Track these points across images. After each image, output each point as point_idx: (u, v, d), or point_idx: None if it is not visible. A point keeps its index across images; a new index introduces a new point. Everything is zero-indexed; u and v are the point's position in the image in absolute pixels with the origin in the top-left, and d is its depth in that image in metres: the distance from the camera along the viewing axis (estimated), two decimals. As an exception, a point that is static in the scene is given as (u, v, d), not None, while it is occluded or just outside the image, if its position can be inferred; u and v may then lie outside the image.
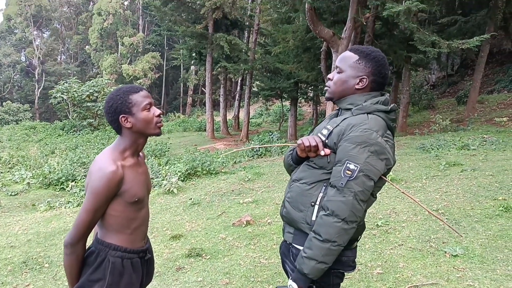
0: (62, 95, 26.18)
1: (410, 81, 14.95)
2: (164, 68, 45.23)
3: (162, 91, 46.26)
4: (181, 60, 34.25)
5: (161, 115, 1.87)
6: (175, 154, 13.51)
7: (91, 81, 28.41)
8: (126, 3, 47.69)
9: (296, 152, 1.90)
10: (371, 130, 1.66)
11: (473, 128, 11.40)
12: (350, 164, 1.63)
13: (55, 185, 9.66)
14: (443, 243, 3.89)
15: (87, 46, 49.27)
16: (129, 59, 43.17)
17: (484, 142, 8.48)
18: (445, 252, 3.68)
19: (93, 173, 1.73)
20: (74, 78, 31.30)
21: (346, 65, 1.83)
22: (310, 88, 19.35)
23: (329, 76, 1.90)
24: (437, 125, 12.19)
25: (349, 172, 1.63)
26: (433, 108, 17.68)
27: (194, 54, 23.07)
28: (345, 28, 10.85)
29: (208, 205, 6.22)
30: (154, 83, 42.69)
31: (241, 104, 24.94)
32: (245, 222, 5.10)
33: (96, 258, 1.81)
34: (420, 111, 17.78)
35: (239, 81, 24.76)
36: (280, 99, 20.69)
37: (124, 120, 1.79)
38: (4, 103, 40.25)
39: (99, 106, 25.16)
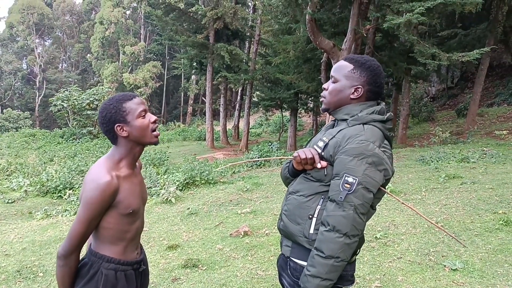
0: (62, 103, 26.25)
1: (410, 93, 14.97)
2: (165, 77, 45.39)
3: (163, 100, 46.35)
4: (182, 70, 34.35)
5: (157, 122, 1.84)
6: (174, 163, 13.47)
7: (92, 89, 28.52)
8: (128, 12, 47.97)
9: (292, 165, 1.87)
10: (368, 141, 1.63)
11: (473, 141, 11.38)
12: (348, 177, 1.60)
13: (53, 193, 9.60)
14: (442, 256, 3.85)
15: (88, 55, 49.47)
16: (130, 68, 43.31)
17: (484, 155, 8.44)
18: (445, 266, 3.63)
19: (88, 183, 1.70)
20: (75, 86, 31.37)
21: (341, 74, 1.81)
22: (310, 98, 19.37)
23: (324, 86, 1.88)
24: (437, 137, 12.16)
25: (348, 186, 1.60)
26: (433, 120, 17.69)
27: (195, 64, 23.13)
28: (345, 40, 10.87)
29: (206, 215, 6.17)
30: (154, 92, 42.80)
31: (241, 114, 24.94)
32: (242, 233, 5.05)
33: (89, 270, 1.77)
34: (420, 123, 17.78)
35: (239, 91, 24.80)
36: (280, 110, 20.69)
37: (120, 129, 1.75)
38: (4, 110, 40.31)
39: (99, 115, 25.18)
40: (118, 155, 1.79)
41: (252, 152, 13.88)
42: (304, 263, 1.73)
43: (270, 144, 15.94)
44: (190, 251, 4.70)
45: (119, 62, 44.38)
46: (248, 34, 22.89)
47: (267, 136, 25.81)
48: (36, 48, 51.84)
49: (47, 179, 10.14)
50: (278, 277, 1.95)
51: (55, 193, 9.58)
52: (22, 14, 50.18)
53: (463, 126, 14.31)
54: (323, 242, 1.61)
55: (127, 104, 1.76)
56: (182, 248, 4.84)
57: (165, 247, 4.91)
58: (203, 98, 38.79)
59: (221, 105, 24.06)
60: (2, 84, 51.03)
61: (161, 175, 9.94)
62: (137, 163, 1.93)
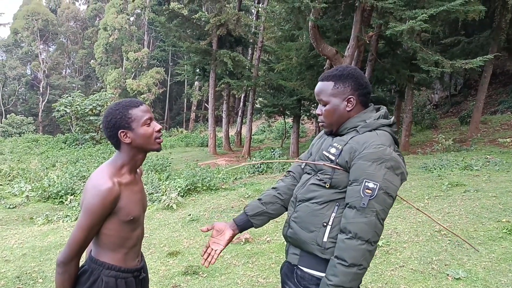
0: (65, 109, 26.31)
1: (413, 101, 14.94)
2: (168, 84, 45.51)
3: (166, 106, 46.45)
4: (185, 76, 34.48)
5: (161, 130, 1.83)
6: (176, 169, 13.45)
7: (95, 95, 28.59)
8: (132, 18, 48.21)
9: None
10: (384, 145, 1.63)
11: (476, 148, 11.33)
12: (369, 182, 1.59)
13: (54, 199, 9.59)
14: (445, 265, 3.81)
15: (92, 61, 49.70)
16: (133, 74, 43.46)
17: (488, 163, 8.39)
18: (448, 274, 3.60)
19: (89, 190, 1.68)
20: (78, 91, 31.49)
21: (327, 95, 1.80)
22: (313, 105, 19.35)
23: (317, 112, 1.86)
24: (440, 144, 12.12)
25: (369, 191, 1.58)
26: (436, 127, 17.63)
27: (198, 70, 23.18)
28: (348, 46, 10.88)
29: (207, 222, 6.14)
30: (158, 98, 42.93)
31: (243, 120, 24.95)
32: (243, 240, 5.02)
33: (89, 277, 1.75)
34: (423, 130, 17.73)
35: (242, 98, 24.81)
36: (282, 116, 20.67)
37: (124, 135, 1.74)
38: (8, 116, 40.50)
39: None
40: (120, 161, 1.78)
41: (254, 159, 13.86)
42: (313, 272, 1.71)
43: (272, 150, 15.91)
44: (191, 258, 4.67)
45: (122, 68, 44.56)
46: (251, 40, 22.94)
47: (270, 142, 25.77)
48: (40, 54, 52.15)
49: (49, 185, 10.14)
50: (281, 285, 1.92)
51: (57, 198, 9.58)
52: (27, 20, 50.55)
53: (466, 134, 14.26)
54: (344, 250, 1.59)
55: (133, 111, 1.75)
56: (182, 255, 4.82)
57: (166, 253, 4.88)
58: (206, 104, 38.86)
59: (223, 111, 24.05)
60: (6, 89, 51.31)
61: (163, 181, 9.92)
62: (138, 170, 1.92)
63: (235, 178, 10.61)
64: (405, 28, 8.97)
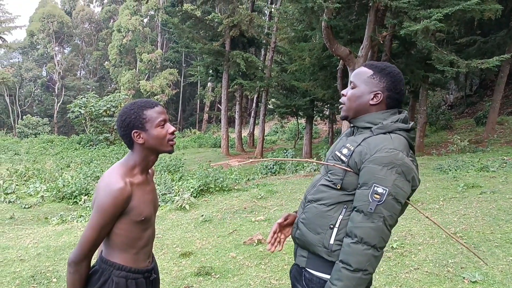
0: (80, 110, 26.61)
1: (428, 101, 14.79)
2: (181, 85, 45.72)
3: (179, 107, 46.67)
4: (198, 77, 34.63)
5: (175, 132, 1.82)
6: (189, 170, 13.49)
7: (109, 96, 28.85)
8: (145, 20, 48.55)
9: None
10: (397, 150, 1.59)
11: (492, 149, 11.16)
12: (378, 187, 1.56)
13: (69, 199, 9.68)
14: (461, 268, 3.74)
15: (106, 62, 50.13)
16: (147, 75, 43.75)
17: (504, 164, 8.25)
18: (464, 278, 3.53)
19: (101, 189, 1.68)
20: (93, 93, 31.78)
21: (360, 80, 1.77)
22: (326, 106, 19.27)
23: (343, 92, 1.84)
24: (455, 145, 11.96)
25: (378, 196, 1.55)
26: (451, 128, 17.41)
27: (211, 71, 23.27)
28: (361, 47, 10.80)
29: (220, 223, 6.13)
30: (171, 99, 43.14)
31: (256, 121, 24.96)
32: (256, 241, 5.00)
33: (100, 277, 1.75)
34: (438, 131, 17.52)
35: (254, 98, 24.83)
36: (295, 117, 20.63)
37: (137, 136, 1.74)
38: (24, 117, 41.04)
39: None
40: (132, 161, 1.78)
41: (267, 161, 13.84)
42: (321, 274, 1.69)
43: (285, 151, 15.87)
44: (203, 259, 4.66)
45: (136, 69, 44.87)
46: (264, 41, 22.95)
47: (282, 143, 25.74)
48: (56, 56, 52.77)
49: (63, 185, 10.23)
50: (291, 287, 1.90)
51: (71, 198, 9.66)
52: (43, 23, 51.18)
53: (482, 135, 14.06)
54: (350, 254, 1.57)
55: (148, 111, 1.75)
56: (195, 255, 4.81)
57: (178, 254, 4.88)
58: (218, 105, 38.94)
59: (236, 112, 24.09)
60: (22, 91, 52.04)
61: (176, 182, 9.95)
62: (150, 170, 1.91)
63: (248, 179, 10.59)
64: (419, 28, 8.87)
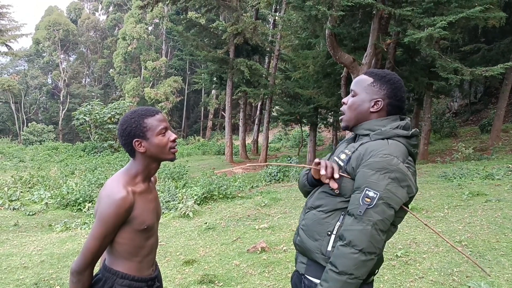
0: (84, 117, 26.73)
1: (432, 109, 14.77)
2: (186, 92, 45.87)
3: (183, 115, 46.80)
4: (202, 84, 34.64)
5: (176, 140, 1.81)
6: (193, 177, 13.49)
7: (113, 104, 28.96)
8: (150, 28, 48.89)
9: (312, 173, 1.83)
10: (392, 155, 1.58)
11: (497, 157, 11.10)
12: (369, 191, 1.54)
13: (73, 206, 9.69)
14: (466, 277, 3.71)
15: (111, 70, 50.40)
16: (151, 83, 43.93)
17: (510, 172, 8.20)
18: (469, 287, 3.50)
19: (103, 198, 1.67)
20: (97, 100, 31.92)
21: (361, 88, 1.78)
22: (329, 113, 19.28)
23: (344, 100, 1.85)
24: (460, 153, 11.92)
25: (368, 200, 1.54)
26: (455, 136, 17.37)
27: (215, 79, 23.32)
28: (365, 54, 10.81)
29: (223, 230, 6.12)
30: (175, 106, 43.26)
31: (260, 129, 24.96)
32: (260, 249, 4.98)
33: (103, 286, 1.74)
34: (442, 139, 17.47)
35: (258, 106, 24.87)
36: (299, 124, 20.64)
37: (138, 145, 1.73)
38: (29, 124, 41.25)
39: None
40: (134, 170, 1.77)
41: (271, 167, 13.82)
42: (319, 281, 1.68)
43: (289, 158, 15.87)
44: (207, 267, 4.65)
45: (140, 77, 45.09)
46: (268, 49, 23.02)
47: (286, 151, 25.73)
48: (61, 63, 53.16)
49: (68, 192, 10.25)
50: (293, 295, 1.89)
51: (75, 205, 9.67)
52: (48, 31, 51.62)
53: (487, 142, 14.00)
54: (337, 257, 1.56)
55: (148, 120, 1.74)
56: (198, 263, 4.79)
57: (182, 262, 4.86)
58: (222, 112, 39.04)
59: (240, 120, 24.14)
60: (28, 98, 52.33)
61: (180, 189, 9.94)
62: (152, 178, 1.91)
63: (252, 187, 10.58)
64: (423, 36, 8.87)
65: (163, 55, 47.38)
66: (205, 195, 8.32)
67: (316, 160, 1.75)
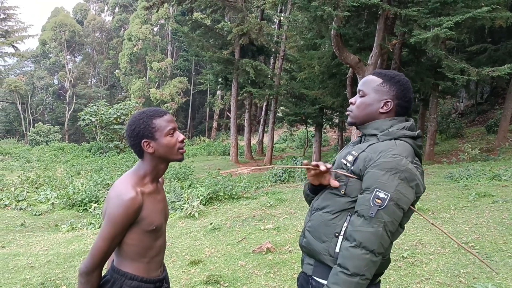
0: (90, 118, 26.84)
1: (438, 109, 14.70)
2: (191, 93, 45.95)
3: (189, 115, 46.87)
4: (208, 85, 34.70)
5: (185, 140, 1.82)
6: (198, 177, 13.51)
7: (119, 104, 29.06)
8: (155, 29, 49.01)
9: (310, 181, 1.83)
10: (401, 155, 1.58)
11: (504, 158, 11.04)
12: (380, 192, 1.55)
13: (79, 206, 9.72)
14: (473, 278, 3.69)
15: (116, 70, 50.57)
16: (157, 83, 44.03)
17: (516, 173, 8.16)
18: (476, 288, 3.48)
19: (112, 199, 1.68)
20: (103, 101, 32.05)
21: (370, 88, 1.78)
22: (335, 114, 19.27)
23: (351, 100, 1.84)
24: (466, 154, 11.86)
25: (379, 201, 1.54)
26: (461, 136, 17.29)
27: (220, 79, 23.35)
28: (371, 55, 10.78)
29: (229, 231, 6.12)
30: (181, 107, 43.34)
31: (265, 129, 24.96)
32: (265, 250, 4.97)
33: (112, 287, 1.74)
34: (448, 139, 17.40)
35: (264, 106, 24.87)
36: (304, 125, 20.63)
37: (146, 145, 1.74)
38: (35, 124, 41.48)
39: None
40: (143, 171, 1.78)
41: (276, 168, 13.82)
42: None
43: (294, 159, 15.83)
44: (212, 267, 4.65)
45: (146, 77, 45.21)
46: (273, 49, 23.02)
47: (292, 151, 25.71)
48: (67, 64, 53.40)
49: (74, 192, 10.29)
50: (299, 296, 1.89)
51: (81, 206, 9.71)
52: (55, 32, 51.89)
53: (493, 143, 13.93)
54: (348, 258, 1.56)
55: (157, 120, 1.75)
56: (204, 263, 4.80)
57: (187, 262, 4.87)
58: (228, 113, 39.06)
59: (245, 120, 24.15)
60: (34, 99, 52.62)
61: (185, 190, 9.96)
62: (160, 179, 1.91)
63: (257, 187, 10.58)
64: (429, 36, 8.84)
65: (168, 55, 47.48)
66: (211, 196, 8.33)
67: (304, 161, 1.76)
